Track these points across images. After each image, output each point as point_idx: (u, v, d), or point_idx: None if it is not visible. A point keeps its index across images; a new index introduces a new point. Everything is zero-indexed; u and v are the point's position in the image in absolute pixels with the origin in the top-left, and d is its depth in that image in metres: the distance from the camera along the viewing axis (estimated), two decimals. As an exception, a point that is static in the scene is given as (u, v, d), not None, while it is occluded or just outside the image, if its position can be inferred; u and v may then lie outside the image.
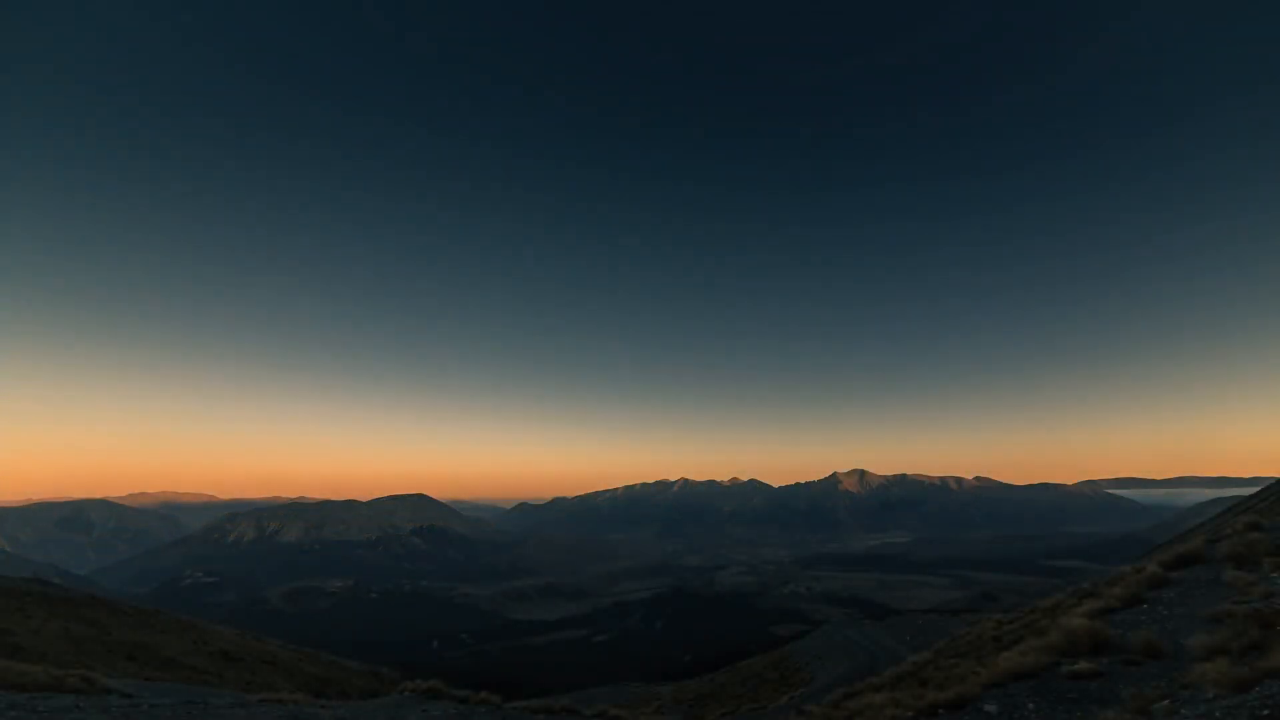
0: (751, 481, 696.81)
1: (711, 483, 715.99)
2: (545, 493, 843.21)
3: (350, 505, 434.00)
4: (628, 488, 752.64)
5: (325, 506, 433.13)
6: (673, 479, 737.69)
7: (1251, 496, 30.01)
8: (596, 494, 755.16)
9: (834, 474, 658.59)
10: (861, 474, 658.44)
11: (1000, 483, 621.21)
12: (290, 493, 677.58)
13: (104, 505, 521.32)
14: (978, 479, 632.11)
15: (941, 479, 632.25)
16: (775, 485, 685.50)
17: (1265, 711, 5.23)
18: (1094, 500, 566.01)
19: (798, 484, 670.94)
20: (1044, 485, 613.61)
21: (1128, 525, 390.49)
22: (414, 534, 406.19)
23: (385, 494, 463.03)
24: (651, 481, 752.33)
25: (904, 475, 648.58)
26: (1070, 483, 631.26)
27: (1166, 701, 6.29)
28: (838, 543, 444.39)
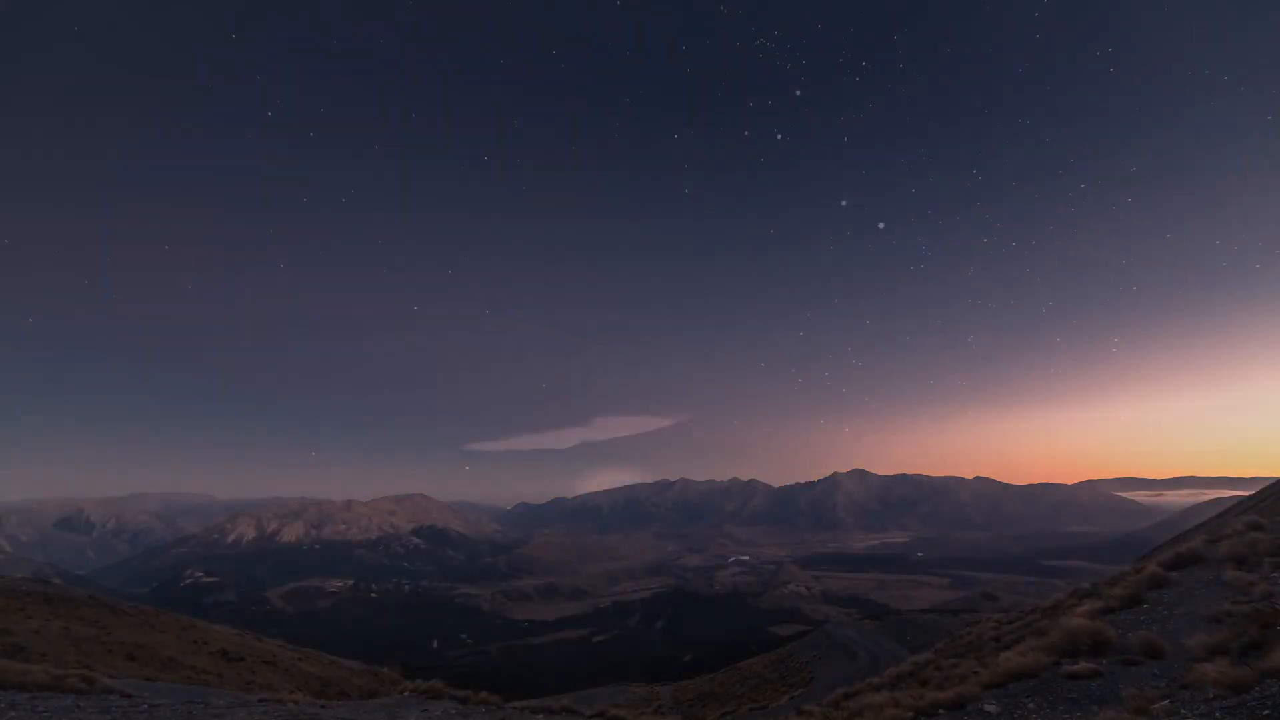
0: (751, 481, 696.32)
1: (711, 483, 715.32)
2: (544, 493, 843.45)
3: (350, 505, 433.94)
4: (627, 487, 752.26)
5: (325, 506, 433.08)
6: (673, 479, 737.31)
7: (1251, 496, 29.93)
8: (596, 494, 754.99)
9: (834, 474, 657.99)
10: (861, 474, 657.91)
11: (1000, 483, 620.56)
12: (290, 493, 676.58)
13: (104, 505, 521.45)
14: (978, 479, 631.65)
15: (941, 479, 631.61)
16: (775, 485, 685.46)
17: (1265, 711, 5.23)
18: (1094, 500, 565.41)
19: (798, 484, 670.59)
20: (1044, 485, 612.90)
21: (1128, 525, 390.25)
22: (414, 534, 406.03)
23: (385, 494, 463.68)
24: (651, 481, 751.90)
25: (904, 475, 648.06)
26: (1070, 483, 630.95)
27: (1166, 701, 6.29)
28: (838, 543, 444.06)
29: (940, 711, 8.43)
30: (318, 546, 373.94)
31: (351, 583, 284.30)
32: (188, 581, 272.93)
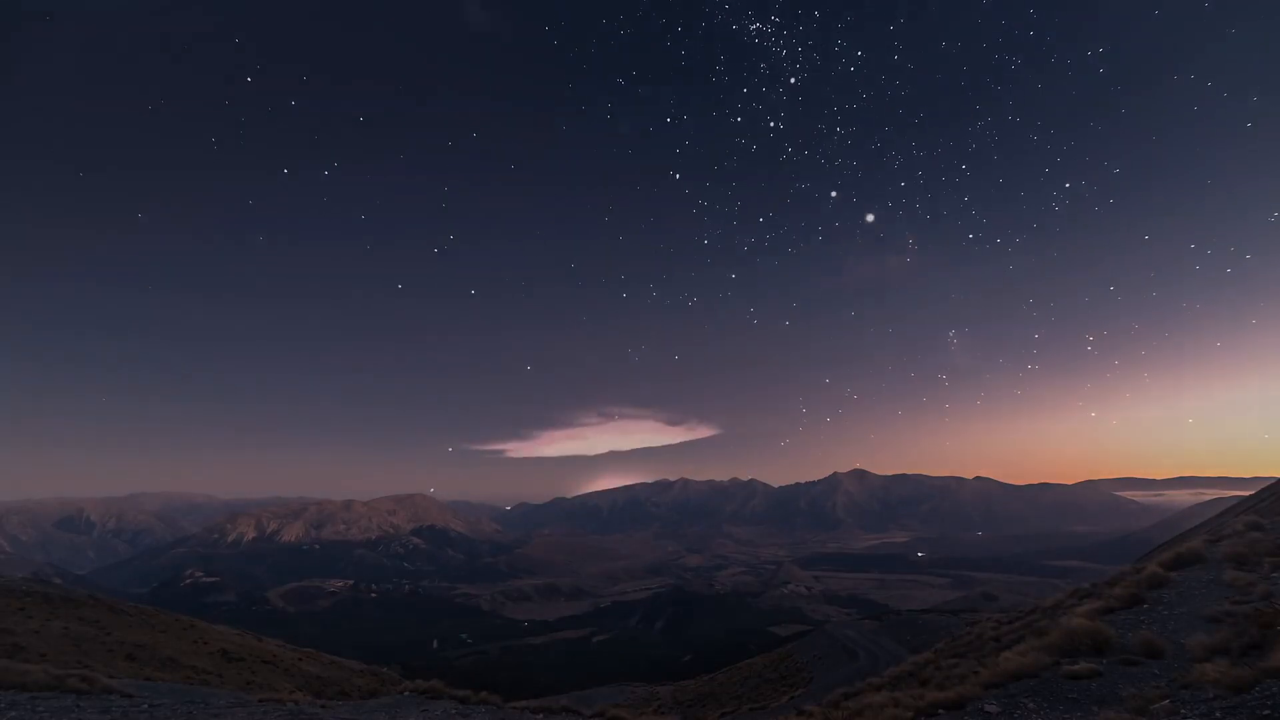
0: (751, 481, 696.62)
1: (711, 483, 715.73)
2: (544, 493, 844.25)
3: (350, 505, 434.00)
4: (627, 487, 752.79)
5: (325, 506, 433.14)
6: (672, 479, 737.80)
7: (1251, 496, 29.95)
8: (596, 494, 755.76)
9: (834, 474, 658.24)
10: (861, 474, 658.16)
11: (1000, 483, 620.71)
12: (290, 492, 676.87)
13: (104, 505, 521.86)
14: (978, 479, 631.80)
15: (941, 479, 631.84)
16: (775, 485, 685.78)
17: (1265, 711, 5.24)
18: (1094, 500, 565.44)
19: (798, 484, 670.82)
20: (1044, 485, 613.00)
21: (1128, 525, 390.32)
22: (414, 534, 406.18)
23: (385, 494, 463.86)
24: (651, 481, 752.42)
25: (904, 475, 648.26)
26: (1070, 483, 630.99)
27: (1166, 701, 6.29)
28: (838, 543, 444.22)
29: (940, 711, 8.43)
30: (318, 546, 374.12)
31: (351, 583, 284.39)
32: (188, 581, 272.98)
